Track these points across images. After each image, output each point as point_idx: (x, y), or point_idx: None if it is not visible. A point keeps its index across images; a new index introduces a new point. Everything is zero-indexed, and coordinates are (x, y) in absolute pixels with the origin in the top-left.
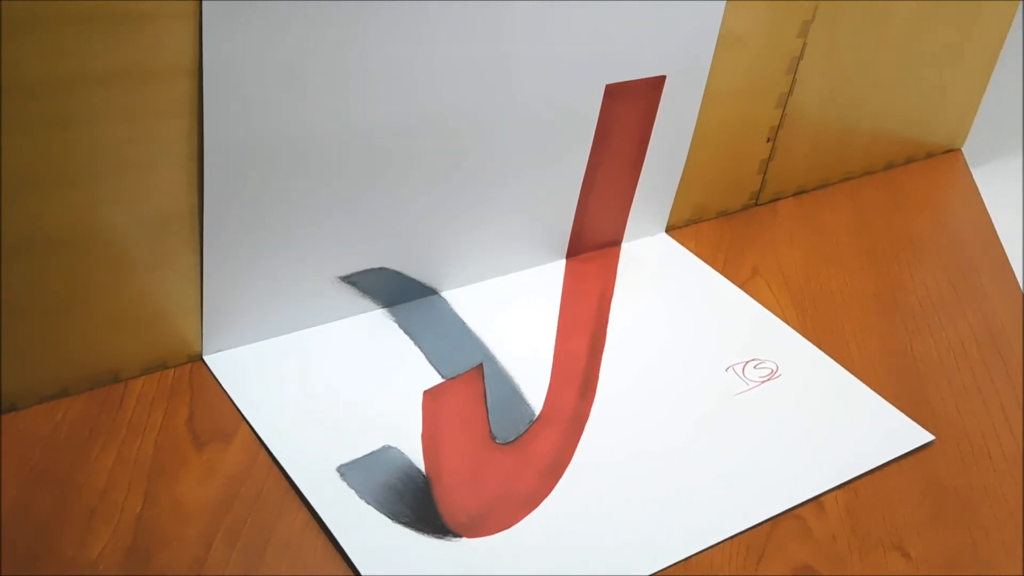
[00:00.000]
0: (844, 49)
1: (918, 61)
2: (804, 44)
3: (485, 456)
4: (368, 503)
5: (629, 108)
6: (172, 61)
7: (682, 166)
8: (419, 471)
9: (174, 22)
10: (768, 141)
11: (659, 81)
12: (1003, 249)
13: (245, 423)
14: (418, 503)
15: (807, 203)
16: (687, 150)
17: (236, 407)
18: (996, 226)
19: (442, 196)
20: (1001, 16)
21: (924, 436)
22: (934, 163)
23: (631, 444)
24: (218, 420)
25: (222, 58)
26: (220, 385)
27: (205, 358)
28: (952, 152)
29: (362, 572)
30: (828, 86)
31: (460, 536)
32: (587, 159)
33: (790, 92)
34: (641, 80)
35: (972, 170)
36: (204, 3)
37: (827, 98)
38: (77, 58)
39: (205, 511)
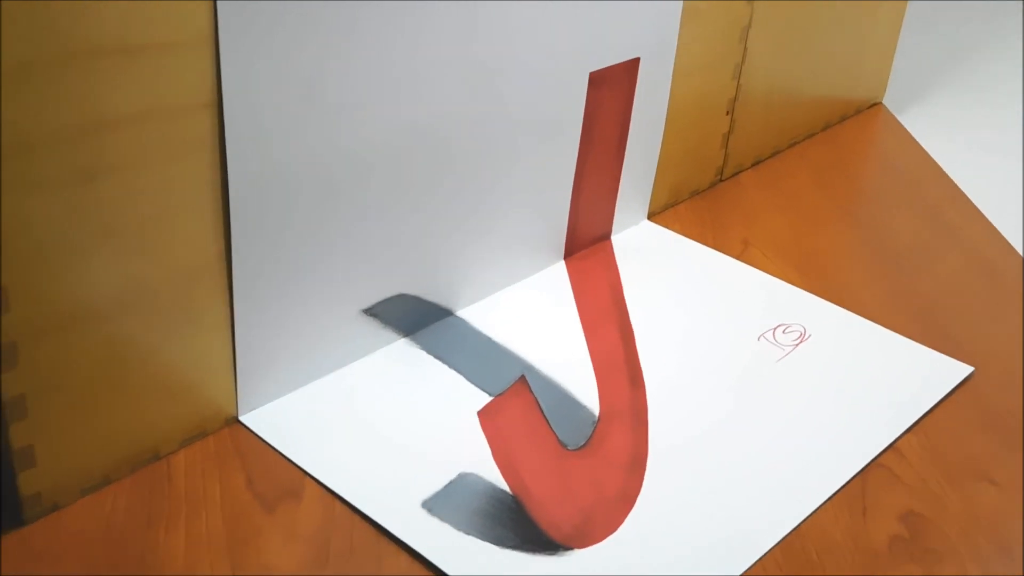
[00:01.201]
0: (782, 15)
1: (839, 23)
2: (752, 11)
3: (564, 464)
4: (467, 533)
5: (611, 95)
6: (191, 95)
7: (658, 149)
8: (505, 492)
9: (189, 52)
10: (727, 114)
11: (634, 64)
12: (954, 182)
13: (308, 477)
14: (517, 524)
15: (766, 172)
16: (662, 132)
17: (292, 462)
18: (940, 163)
19: (443, 210)
20: None
21: (965, 369)
22: (863, 118)
23: (699, 425)
24: (279, 479)
25: (241, 85)
26: (267, 443)
27: (242, 419)
28: (876, 105)
29: None
30: (772, 54)
31: (572, 548)
32: (576, 153)
33: (743, 62)
34: (620, 64)
35: (898, 118)
36: (220, 27)
37: (772, 66)
38: (93, 102)
39: (302, 573)
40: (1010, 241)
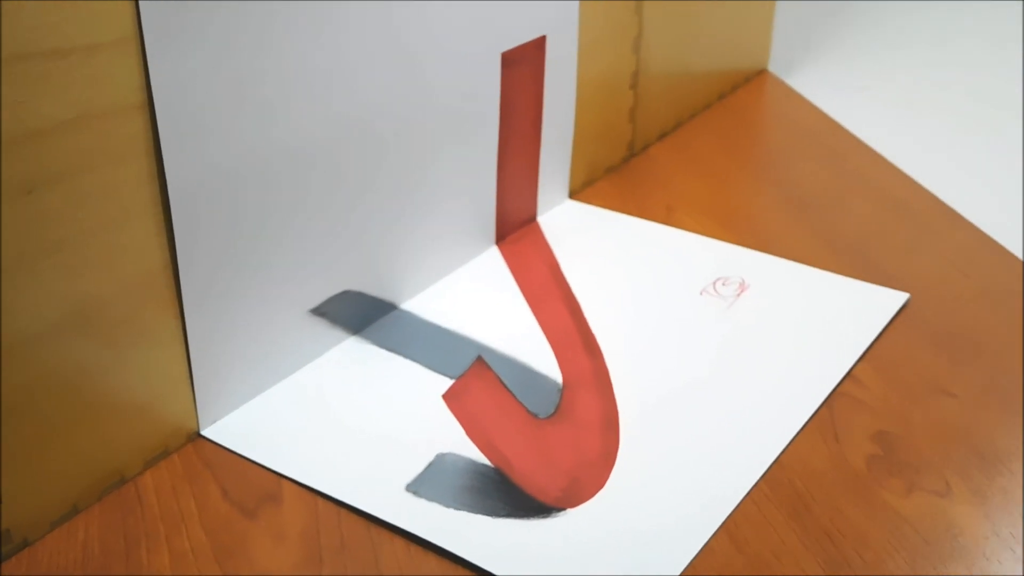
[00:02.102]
0: None
1: None
2: None
3: (539, 433)
4: (458, 509)
5: (523, 74)
6: (122, 96)
7: (572, 127)
8: (487, 465)
9: (115, 53)
10: (631, 88)
11: (542, 42)
12: (850, 132)
13: (284, 479)
14: (506, 494)
15: (674, 143)
16: (574, 110)
17: (265, 468)
18: (834, 118)
19: (378, 201)
20: None
21: (901, 296)
22: (753, 85)
23: (662, 380)
24: (254, 486)
25: (171, 84)
26: (235, 453)
27: (204, 433)
28: (762, 73)
29: (496, 573)
30: (665, 27)
31: (564, 509)
32: (497, 136)
33: (640, 36)
34: (529, 43)
35: (786, 81)
36: (144, 26)
37: (666, 39)
38: (25, 109)
39: (299, 572)
40: (916, 180)
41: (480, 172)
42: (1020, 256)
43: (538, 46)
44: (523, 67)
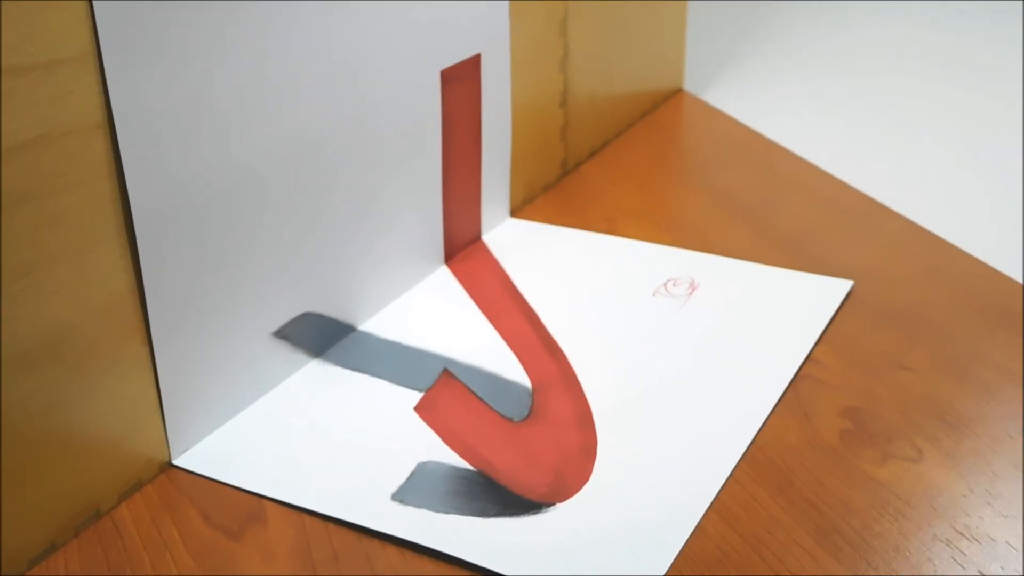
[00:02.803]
0: (590, 8)
1: (635, 15)
2: (566, 5)
3: (516, 435)
4: (447, 513)
5: (462, 92)
6: (82, 115)
7: (509, 146)
8: (470, 470)
9: (74, 70)
10: (561, 107)
11: (477, 60)
12: (771, 140)
13: (266, 500)
14: (493, 495)
15: (604, 160)
16: (510, 128)
17: (245, 491)
18: (757, 130)
19: (331, 222)
20: None
21: (846, 283)
22: (671, 104)
23: (629, 377)
24: (236, 509)
25: (129, 101)
26: (212, 479)
27: (176, 462)
28: (678, 92)
29: (500, 571)
30: (588, 47)
31: (554, 504)
32: (440, 155)
33: (566, 55)
34: (465, 61)
35: (703, 98)
36: (101, 42)
37: (589, 59)
38: None
39: None
40: (840, 178)
41: (426, 191)
42: (948, 239)
43: (474, 64)
44: (461, 85)
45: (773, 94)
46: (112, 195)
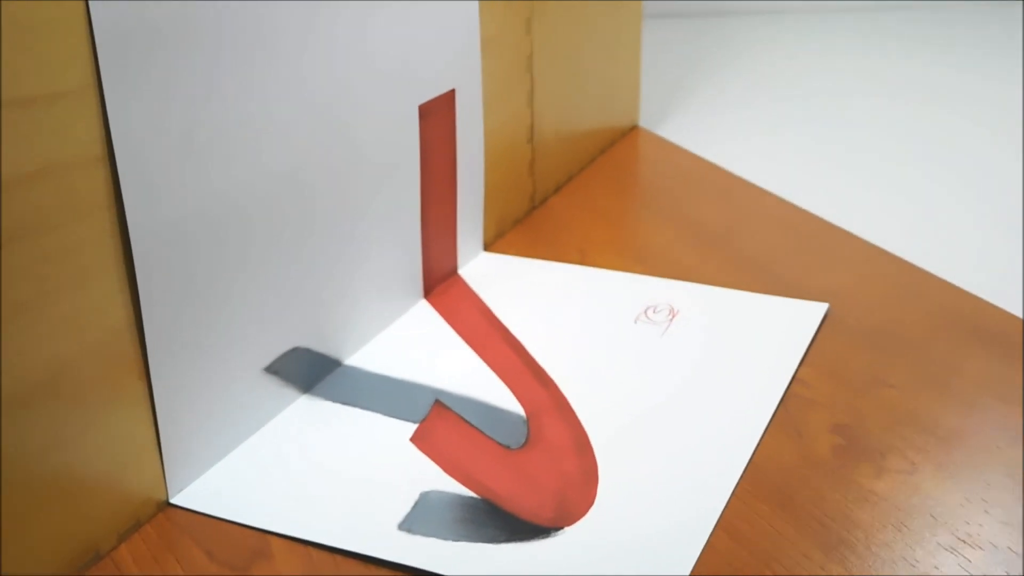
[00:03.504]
0: (553, 46)
1: (592, 54)
2: (531, 41)
3: (516, 462)
4: (456, 541)
5: (438, 127)
6: (83, 148)
7: (482, 180)
8: (475, 498)
9: (76, 102)
10: (528, 142)
11: (451, 96)
12: (729, 172)
13: (269, 535)
14: (500, 521)
15: (570, 194)
16: (483, 163)
17: (247, 527)
18: (715, 162)
19: (315, 257)
20: (630, 10)
21: (822, 306)
22: (629, 140)
23: (624, 404)
24: (240, 545)
25: (129, 135)
26: (212, 517)
27: (174, 501)
28: (634, 128)
29: None
30: (552, 83)
31: (562, 528)
32: (419, 190)
33: (532, 90)
34: (441, 96)
35: (659, 134)
36: (103, 75)
37: (553, 95)
38: None
39: None
40: (799, 206)
41: (406, 225)
42: (912, 261)
43: (449, 99)
44: (438, 120)
45: (723, 126)
46: (112, 229)
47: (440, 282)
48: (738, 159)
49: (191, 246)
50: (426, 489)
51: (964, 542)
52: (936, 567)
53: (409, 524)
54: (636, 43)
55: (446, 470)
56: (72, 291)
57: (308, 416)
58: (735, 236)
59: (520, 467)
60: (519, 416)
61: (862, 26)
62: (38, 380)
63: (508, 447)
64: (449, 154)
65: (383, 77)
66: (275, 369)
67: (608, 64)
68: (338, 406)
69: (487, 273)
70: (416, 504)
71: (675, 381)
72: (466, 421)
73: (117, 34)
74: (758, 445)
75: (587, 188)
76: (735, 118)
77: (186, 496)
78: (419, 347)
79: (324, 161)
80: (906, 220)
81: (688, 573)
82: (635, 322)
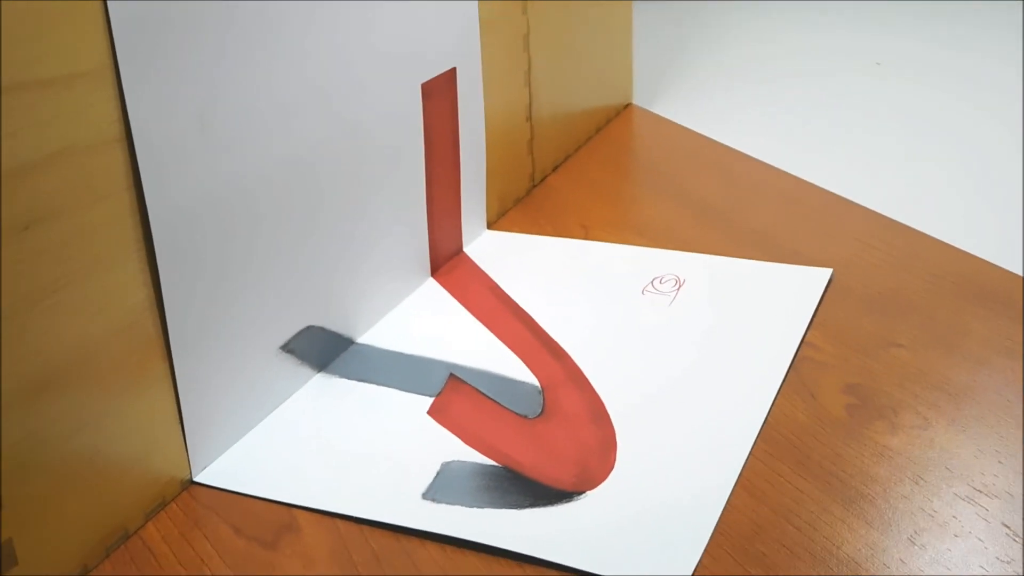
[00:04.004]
0: (548, 25)
1: (586, 32)
2: (528, 21)
3: (534, 432)
4: (482, 507)
5: (441, 106)
6: (102, 129)
7: (484, 159)
8: (496, 467)
9: (93, 83)
10: (527, 121)
11: (453, 74)
12: (727, 145)
13: (295, 509)
14: (523, 488)
15: (568, 173)
16: (485, 142)
17: (272, 501)
18: (706, 135)
19: (327, 237)
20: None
21: (826, 271)
22: (623, 118)
23: (635, 372)
24: (266, 520)
25: (146, 116)
26: (236, 493)
27: (198, 479)
28: (628, 106)
29: (560, 561)
30: (548, 62)
31: (584, 492)
32: (424, 169)
33: (530, 69)
34: (443, 75)
35: (652, 110)
36: (119, 56)
37: (550, 74)
38: (16, 142)
39: None
40: (802, 177)
41: (412, 204)
42: (912, 225)
43: (450, 78)
44: (440, 98)
45: (715, 104)
46: (132, 209)
47: (446, 261)
48: (731, 134)
49: (208, 225)
50: (447, 459)
51: (981, 492)
52: (955, 516)
53: (433, 493)
54: (628, 23)
55: (465, 441)
56: (95, 272)
57: (325, 393)
58: (736, 207)
59: (539, 436)
60: (534, 387)
61: (852, 8)
62: (65, 362)
63: (525, 417)
64: (452, 133)
65: (386, 57)
66: (291, 348)
67: (601, 44)
68: (353, 383)
69: (492, 251)
70: (438, 474)
71: (686, 349)
72: (482, 393)
73: (131, 17)
74: (772, 407)
75: (585, 166)
76: (727, 96)
77: (209, 474)
78: (430, 324)
79: (332, 143)
80: (902, 187)
81: (711, 530)
82: (643, 293)
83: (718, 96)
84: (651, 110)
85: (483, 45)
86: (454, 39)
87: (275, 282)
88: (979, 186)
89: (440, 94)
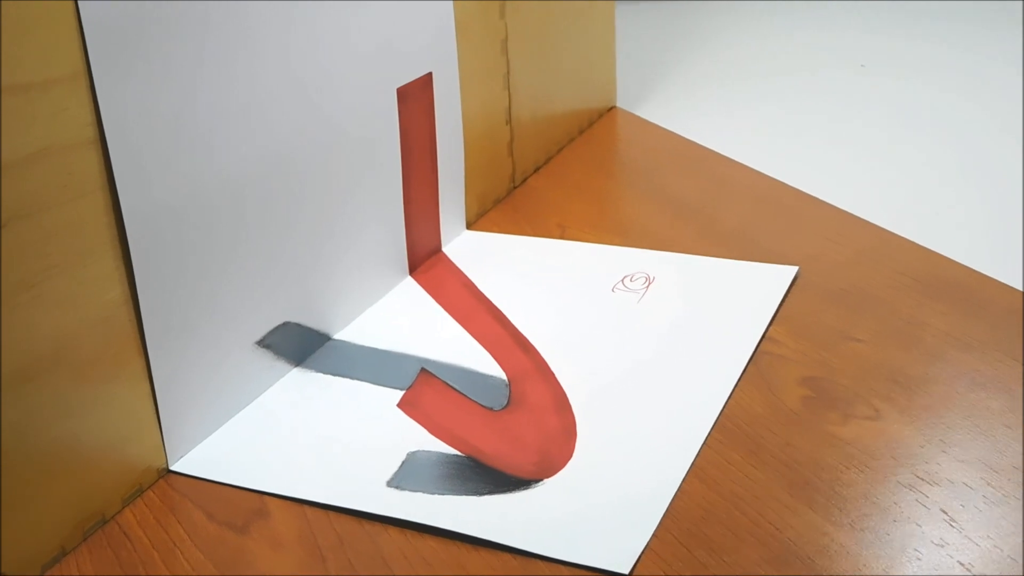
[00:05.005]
0: (527, 29)
1: (567, 36)
2: (506, 25)
3: (499, 423)
4: (444, 494)
5: (417, 109)
6: (76, 132)
7: (463, 161)
8: (460, 456)
9: (67, 88)
10: (507, 124)
11: (429, 79)
12: (708, 148)
13: (266, 496)
14: (484, 476)
15: (549, 174)
16: (463, 145)
17: (245, 489)
18: (692, 139)
19: (303, 235)
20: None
21: (791, 269)
22: (606, 120)
23: (599, 364)
24: (238, 506)
25: (119, 118)
26: (211, 481)
27: (174, 468)
28: (612, 109)
29: (511, 544)
30: (527, 65)
31: (542, 479)
32: (401, 170)
33: (509, 73)
34: (419, 79)
35: (638, 113)
36: (92, 62)
37: (529, 77)
38: None
39: (306, 570)
40: (775, 177)
41: (389, 204)
42: (880, 224)
43: (427, 82)
44: (416, 102)
45: (699, 106)
46: (106, 208)
47: (424, 260)
48: (716, 136)
49: (183, 225)
50: (413, 449)
51: (922, 479)
52: (896, 503)
53: (398, 481)
54: (610, 26)
55: (432, 431)
56: (72, 268)
57: (300, 387)
58: (711, 207)
59: (503, 427)
60: (501, 380)
61: (833, 9)
62: (42, 354)
63: (491, 409)
64: (429, 136)
65: (362, 61)
66: (267, 343)
67: (583, 47)
68: (328, 377)
69: (470, 250)
70: (404, 463)
71: (650, 342)
72: (451, 386)
73: (105, 24)
74: (729, 398)
75: (566, 167)
76: (713, 98)
77: (185, 463)
78: (405, 320)
79: (308, 143)
80: (874, 186)
81: (660, 515)
82: (613, 290)
83: (704, 99)
84: (636, 112)
85: (460, 50)
86: (429, 45)
87: (252, 278)
88: (958, 187)
89: (416, 98)
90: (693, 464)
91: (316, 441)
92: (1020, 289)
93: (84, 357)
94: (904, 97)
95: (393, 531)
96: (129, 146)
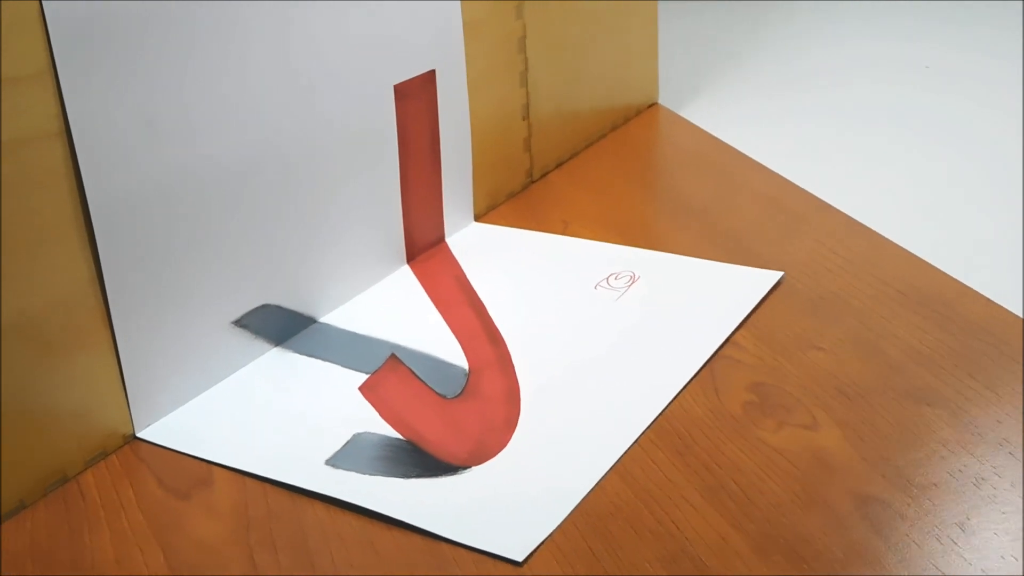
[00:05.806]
0: (552, 28)
1: (602, 32)
2: (524, 24)
3: (448, 410)
4: (374, 475)
5: (416, 106)
6: (41, 125)
7: (470, 156)
8: (401, 439)
9: (33, 85)
10: (524, 119)
11: (431, 76)
12: (736, 149)
13: (215, 466)
14: (417, 460)
15: (571, 169)
16: (470, 140)
17: (198, 458)
18: (729, 143)
19: (290, 222)
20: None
21: (775, 274)
22: (645, 117)
23: (559, 358)
24: (187, 474)
25: (85, 113)
26: (170, 449)
27: (140, 435)
28: (653, 106)
29: (418, 524)
30: (550, 63)
31: (470, 466)
32: (398, 164)
33: (527, 70)
34: (418, 77)
35: (680, 113)
36: (57, 60)
37: (552, 75)
38: None
39: (230, 538)
40: (794, 182)
41: (385, 197)
42: (881, 232)
43: (428, 80)
44: (416, 100)
45: (748, 105)
46: (71, 196)
47: (425, 249)
48: (756, 137)
49: (152, 211)
50: (359, 431)
51: (848, 492)
52: (807, 513)
53: (336, 460)
54: (652, 23)
55: (383, 415)
56: (38, 249)
57: (275, 366)
58: (719, 209)
59: (450, 414)
60: (462, 370)
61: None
62: (11, 326)
63: (444, 396)
64: (430, 131)
65: (358, 58)
66: (244, 323)
67: (620, 44)
68: (303, 358)
69: (472, 242)
70: (347, 443)
71: (612, 341)
72: (413, 373)
73: (69, 25)
74: (674, 400)
75: (590, 163)
76: (762, 99)
77: (152, 431)
78: (389, 307)
79: (298, 134)
80: (906, 203)
81: (569, 509)
82: (596, 287)
83: (751, 99)
84: (683, 110)
85: (468, 49)
86: (432, 43)
87: (227, 262)
88: (987, 210)
89: (416, 95)
90: (620, 462)
91: (274, 417)
92: (1014, 311)
93: (49, 331)
94: (981, 105)
95: (319, 507)
96: (95, 138)
